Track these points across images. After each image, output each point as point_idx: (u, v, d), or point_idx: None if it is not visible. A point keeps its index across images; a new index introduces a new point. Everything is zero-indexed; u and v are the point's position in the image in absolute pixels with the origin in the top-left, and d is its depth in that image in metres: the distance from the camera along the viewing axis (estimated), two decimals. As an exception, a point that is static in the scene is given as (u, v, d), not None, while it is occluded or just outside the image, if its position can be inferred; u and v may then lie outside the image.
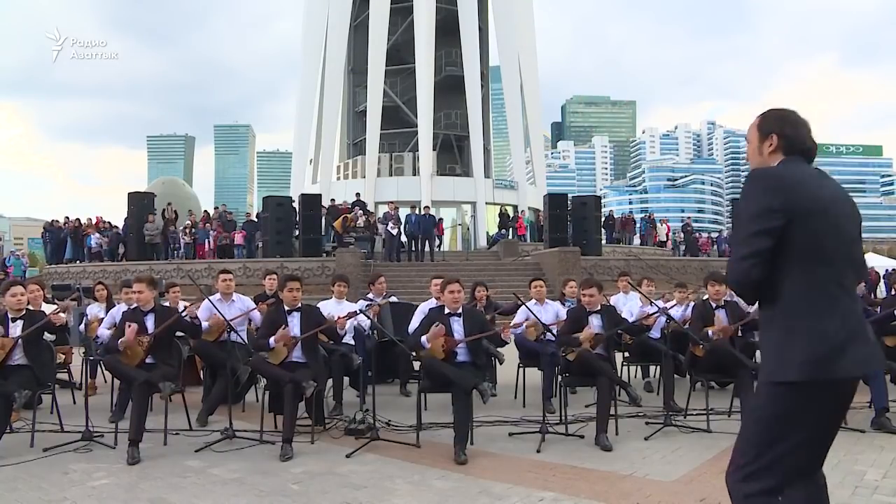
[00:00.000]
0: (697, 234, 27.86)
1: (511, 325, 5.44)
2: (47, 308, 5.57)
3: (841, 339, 1.93)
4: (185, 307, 5.32)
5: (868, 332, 2.00)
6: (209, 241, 20.37)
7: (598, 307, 5.39)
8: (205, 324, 5.77)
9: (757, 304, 2.14)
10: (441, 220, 22.12)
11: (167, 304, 6.03)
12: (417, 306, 6.45)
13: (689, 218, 32.52)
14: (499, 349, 6.33)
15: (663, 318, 6.15)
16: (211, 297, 5.76)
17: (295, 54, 61.72)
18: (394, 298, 6.95)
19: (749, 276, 1.99)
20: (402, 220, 19.95)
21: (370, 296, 7.05)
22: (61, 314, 5.09)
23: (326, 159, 31.62)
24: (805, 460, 2.00)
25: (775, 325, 2.02)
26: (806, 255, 1.97)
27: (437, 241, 20.47)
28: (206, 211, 25.67)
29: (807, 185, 2.02)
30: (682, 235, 25.99)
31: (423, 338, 4.76)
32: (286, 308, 5.08)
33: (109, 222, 22.10)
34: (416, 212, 20.02)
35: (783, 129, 2.12)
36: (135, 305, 5.28)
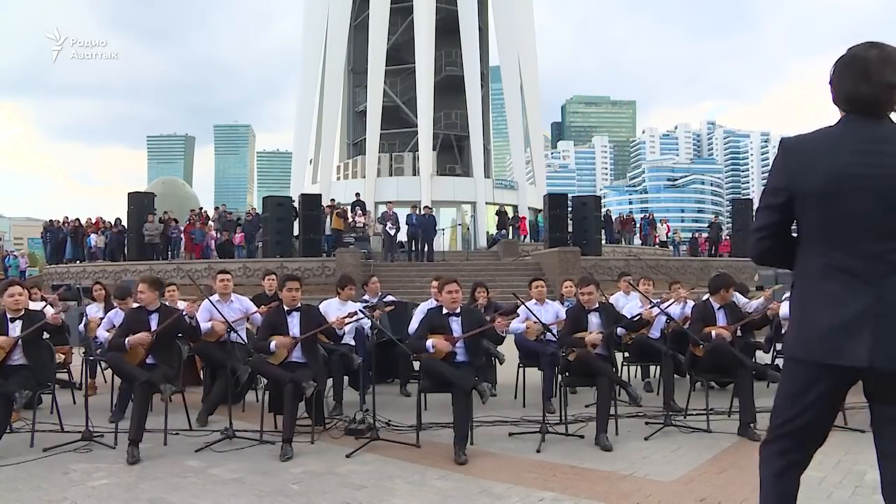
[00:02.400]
0: (697, 234, 27.88)
1: (504, 319, 5.39)
2: (39, 307, 5.57)
3: (834, 327, 1.86)
4: (186, 306, 5.33)
5: (872, 325, 1.82)
6: (207, 241, 20.38)
7: (597, 305, 5.40)
8: (206, 325, 5.78)
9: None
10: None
11: (166, 303, 6.03)
12: (417, 305, 6.45)
13: (715, 217, 32.48)
14: (498, 349, 6.34)
15: (663, 318, 6.14)
16: (210, 298, 5.76)
17: (295, 54, 61.75)
18: (390, 297, 6.95)
19: (758, 247, 2.05)
20: (402, 221, 19.96)
21: (366, 297, 7.04)
22: (59, 316, 5.09)
23: (326, 159, 31.64)
24: (792, 445, 2.04)
25: (790, 301, 2.07)
26: (811, 236, 1.94)
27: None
28: (205, 211, 25.67)
29: (823, 160, 1.88)
30: (681, 235, 25.97)
31: (429, 343, 4.75)
32: (286, 308, 5.08)
33: (111, 222, 22.09)
34: (417, 212, 20.03)
35: (833, 78, 1.95)
36: (137, 305, 5.28)
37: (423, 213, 19.75)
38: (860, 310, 1.83)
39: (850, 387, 1.97)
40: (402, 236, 20.52)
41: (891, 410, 1.93)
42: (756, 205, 2.15)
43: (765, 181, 2.17)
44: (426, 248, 19.54)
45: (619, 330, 5.50)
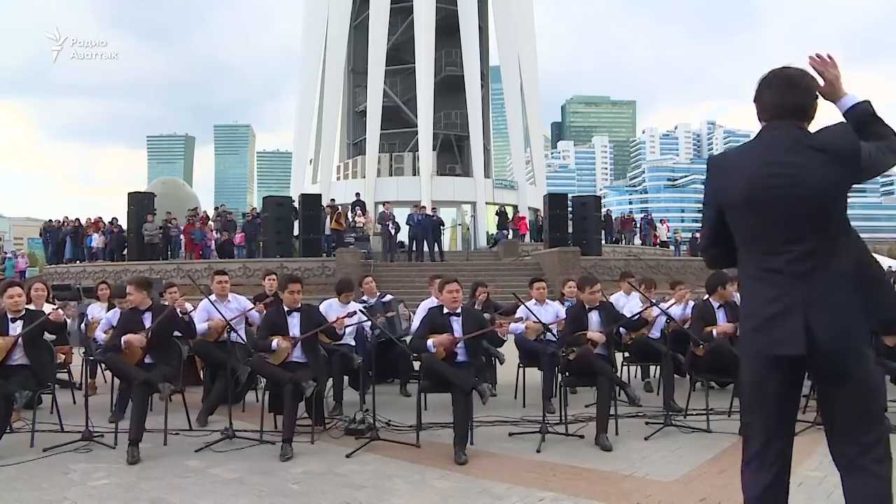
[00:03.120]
0: (697, 235, 27.86)
1: (505, 322, 5.39)
2: (48, 307, 5.57)
3: (770, 321, 2.02)
4: (175, 302, 5.32)
5: (803, 315, 1.97)
6: (206, 241, 20.39)
7: (597, 303, 5.40)
8: (204, 325, 5.78)
9: None
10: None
11: (166, 303, 6.03)
12: (401, 302, 6.45)
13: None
14: (499, 349, 6.34)
15: (663, 318, 6.14)
16: (209, 298, 5.76)
17: (295, 54, 61.76)
18: (389, 297, 6.95)
19: (707, 254, 2.34)
20: (402, 221, 19.99)
21: (364, 298, 7.04)
22: (59, 312, 5.09)
23: (326, 159, 31.63)
24: (764, 441, 2.10)
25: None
26: (742, 241, 2.14)
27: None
28: (205, 211, 25.68)
29: (738, 172, 2.11)
30: (682, 235, 26.00)
31: (430, 342, 4.75)
32: (286, 308, 5.08)
33: (109, 222, 22.10)
34: (419, 211, 20.07)
35: (755, 95, 2.18)
36: (132, 306, 5.28)
37: (428, 214, 19.76)
38: (790, 303, 2.01)
39: (801, 379, 2.12)
40: (403, 236, 20.54)
41: (834, 390, 2.05)
42: None
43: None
44: (435, 249, 19.58)
45: (620, 329, 5.50)
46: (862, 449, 1.99)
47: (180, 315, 5.20)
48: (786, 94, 2.09)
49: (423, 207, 20.24)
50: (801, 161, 2.01)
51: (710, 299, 5.74)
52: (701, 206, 2.44)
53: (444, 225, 21.34)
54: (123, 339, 4.85)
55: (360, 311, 5.61)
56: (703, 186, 2.34)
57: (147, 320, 5.03)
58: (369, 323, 6.02)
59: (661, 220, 29.06)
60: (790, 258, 2.01)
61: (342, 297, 6.41)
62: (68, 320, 5.95)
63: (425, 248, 19.53)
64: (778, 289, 2.02)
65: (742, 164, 2.11)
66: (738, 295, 2.35)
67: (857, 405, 2.01)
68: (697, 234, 27.93)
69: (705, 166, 2.30)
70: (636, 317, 5.68)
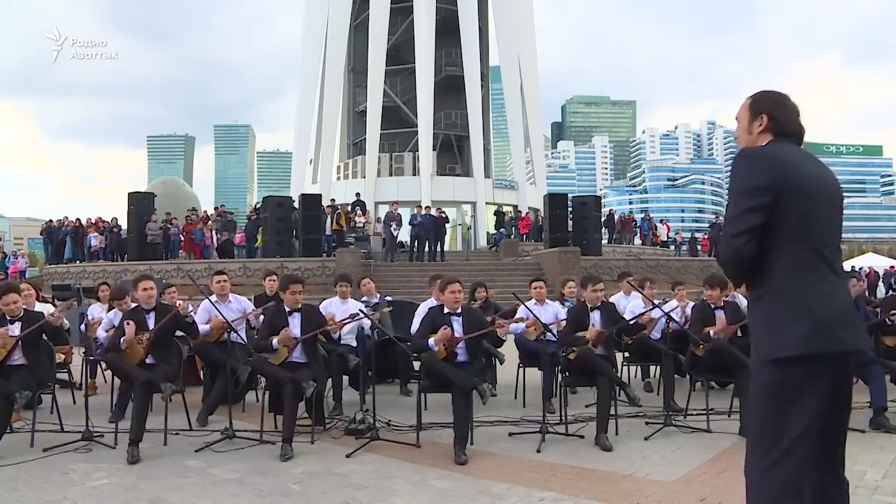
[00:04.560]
0: (695, 235, 27.89)
1: (505, 322, 5.40)
2: (45, 308, 5.56)
3: (828, 315, 1.96)
4: (180, 304, 5.32)
5: (855, 313, 2.06)
6: (205, 241, 20.39)
7: (599, 303, 5.40)
8: (205, 326, 5.78)
9: (744, 286, 2.17)
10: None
11: (166, 303, 6.03)
12: (418, 305, 6.46)
13: (716, 217, 32.33)
14: (499, 349, 6.34)
15: (663, 318, 6.14)
16: (210, 298, 5.76)
17: (295, 54, 61.75)
18: (388, 298, 6.96)
19: (742, 252, 2.03)
20: (404, 221, 20.02)
21: (364, 298, 7.05)
22: (59, 315, 5.09)
23: (326, 159, 31.65)
24: (817, 448, 1.95)
25: (766, 302, 2.06)
26: (793, 233, 2.02)
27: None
28: (205, 211, 25.68)
29: (793, 164, 2.07)
30: (682, 235, 25.99)
31: (431, 340, 4.75)
32: (287, 309, 5.08)
33: (109, 222, 22.10)
34: (421, 211, 20.08)
35: (773, 110, 2.16)
36: (135, 305, 5.28)
37: (434, 213, 19.81)
38: (848, 300, 2.05)
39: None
40: (403, 235, 20.57)
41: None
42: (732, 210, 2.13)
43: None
44: (438, 248, 19.62)
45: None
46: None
47: (184, 316, 5.20)
48: (801, 123, 2.20)
49: (428, 208, 20.32)
50: (832, 176, 2.16)
51: (710, 300, 5.74)
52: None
53: (448, 222, 21.40)
54: (122, 339, 4.85)
55: (360, 311, 5.61)
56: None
57: (150, 320, 5.03)
58: (369, 323, 6.03)
59: (661, 221, 29.05)
60: (837, 257, 2.09)
61: (337, 290, 6.46)
62: (66, 323, 5.96)
63: (437, 248, 19.57)
64: (832, 284, 2.02)
65: (794, 160, 2.08)
66: (762, 294, 2.10)
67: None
68: (697, 234, 28.07)
69: (749, 159, 2.10)
70: (633, 321, 5.69)
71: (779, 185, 2.00)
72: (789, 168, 2.04)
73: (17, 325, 4.84)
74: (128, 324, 4.88)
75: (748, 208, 2.01)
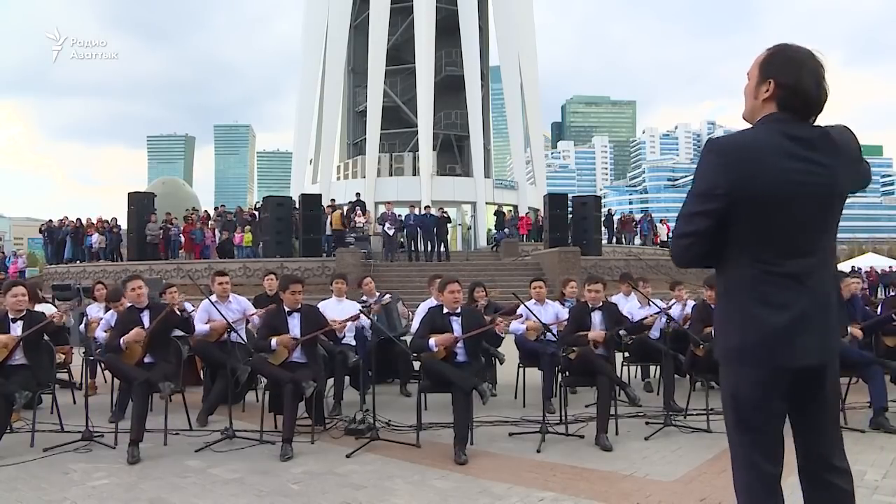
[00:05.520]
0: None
1: (503, 321, 5.39)
2: (45, 309, 5.57)
3: (776, 328, 1.85)
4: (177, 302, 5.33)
5: (812, 326, 1.87)
6: (207, 240, 20.39)
7: (601, 304, 5.40)
8: (205, 327, 5.77)
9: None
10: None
11: (162, 301, 6.03)
12: (417, 305, 6.46)
13: None
14: (498, 349, 6.34)
15: (663, 318, 6.14)
16: (210, 298, 5.76)
17: (295, 54, 61.78)
18: (388, 297, 6.96)
19: (684, 255, 1.94)
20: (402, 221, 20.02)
21: (364, 298, 7.06)
22: (62, 315, 5.10)
23: (326, 159, 31.66)
24: (759, 457, 1.91)
25: (721, 303, 2.00)
26: (750, 239, 1.88)
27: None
28: (205, 210, 25.68)
29: (769, 162, 1.84)
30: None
31: (431, 341, 4.75)
32: (287, 309, 5.08)
33: (109, 222, 22.09)
34: (416, 211, 20.07)
35: (782, 76, 1.89)
36: (129, 304, 5.28)
37: (434, 212, 19.81)
38: (807, 311, 1.86)
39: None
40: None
41: (815, 403, 1.96)
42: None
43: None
44: (441, 248, 19.59)
45: (621, 331, 5.50)
46: (828, 462, 1.94)
47: (178, 312, 5.19)
48: (821, 90, 1.89)
49: (428, 207, 20.34)
50: (832, 162, 1.86)
51: (710, 300, 5.74)
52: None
53: (451, 222, 21.40)
54: (123, 339, 4.85)
55: (361, 311, 5.61)
56: None
57: (145, 318, 5.03)
58: (369, 323, 6.04)
59: (660, 221, 29.02)
60: (805, 263, 1.87)
61: (335, 286, 6.52)
62: (71, 320, 5.96)
63: (422, 248, 19.57)
64: (792, 295, 1.85)
65: (768, 155, 1.85)
66: (716, 299, 2.05)
67: (833, 418, 1.98)
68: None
69: (713, 155, 1.91)
70: (639, 322, 5.70)
71: (737, 193, 1.84)
72: (759, 169, 1.83)
73: (19, 324, 4.84)
74: (134, 329, 4.87)
75: (697, 211, 1.89)
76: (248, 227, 20.19)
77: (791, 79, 1.87)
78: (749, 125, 1.98)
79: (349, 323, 5.40)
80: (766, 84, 1.90)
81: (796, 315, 1.85)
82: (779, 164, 1.84)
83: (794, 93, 1.87)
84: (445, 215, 20.37)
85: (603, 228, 23.08)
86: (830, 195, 1.88)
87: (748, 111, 1.99)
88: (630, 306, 6.73)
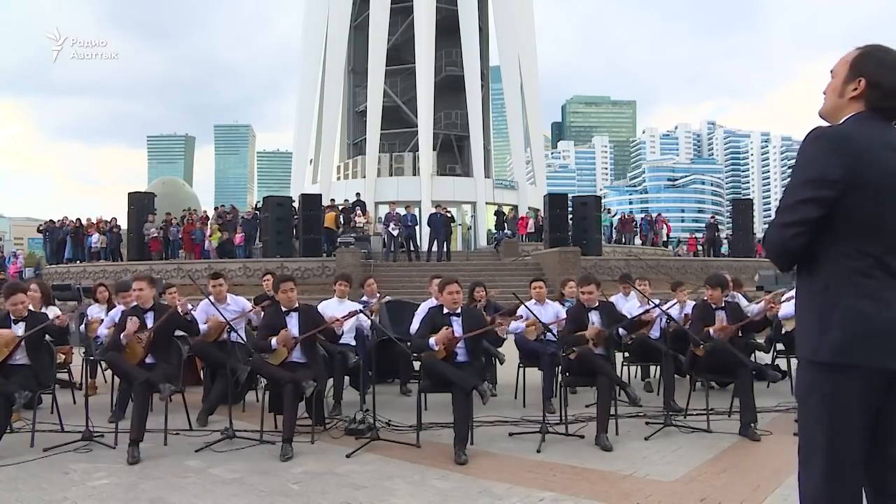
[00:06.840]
0: (692, 235, 27.92)
1: (503, 320, 5.39)
2: (50, 311, 5.57)
3: (878, 326, 1.76)
4: (180, 302, 5.33)
5: None
6: (206, 241, 20.40)
7: (597, 304, 5.40)
8: (204, 326, 5.78)
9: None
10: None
11: (165, 303, 6.02)
12: (418, 305, 6.46)
13: (713, 217, 32.15)
14: (499, 349, 6.34)
15: (663, 318, 6.14)
16: (209, 298, 5.76)
17: (295, 54, 61.76)
18: (388, 298, 6.96)
19: (788, 245, 1.84)
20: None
21: (364, 298, 7.06)
22: (65, 317, 5.10)
23: (326, 159, 31.66)
24: (850, 464, 1.81)
25: (814, 300, 1.87)
26: (859, 231, 1.80)
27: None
28: (205, 211, 25.69)
29: (878, 153, 1.79)
30: (682, 236, 26.00)
31: (431, 340, 4.75)
32: (284, 309, 5.09)
33: (109, 222, 22.09)
34: (412, 211, 20.08)
35: (878, 76, 1.84)
36: (134, 304, 5.28)
37: (436, 212, 19.83)
38: None
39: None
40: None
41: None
42: (780, 199, 1.91)
43: (766, 181, 2.05)
44: (444, 248, 19.62)
45: (621, 331, 5.50)
46: None
47: (183, 315, 5.19)
48: None
49: (439, 206, 20.37)
50: None
51: (711, 300, 5.73)
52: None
53: (454, 221, 21.42)
54: (123, 334, 4.85)
55: (361, 311, 5.61)
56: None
57: (149, 319, 5.03)
58: (368, 322, 6.04)
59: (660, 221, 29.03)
60: None
61: (338, 287, 6.48)
62: (72, 325, 5.96)
63: (424, 247, 19.57)
64: (890, 291, 1.77)
65: (877, 146, 1.80)
66: (803, 293, 1.93)
67: None
68: (696, 235, 28.03)
69: (824, 142, 1.81)
70: (636, 318, 5.68)
71: (850, 179, 1.76)
72: (871, 157, 1.77)
73: (21, 324, 4.84)
74: (131, 319, 4.87)
75: (807, 198, 1.79)
76: (215, 227, 20.42)
77: (885, 79, 1.84)
78: (826, 123, 1.92)
79: (349, 320, 5.40)
80: (856, 83, 1.86)
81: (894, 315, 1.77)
82: (888, 157, 1.80)
83: (886, 94, 1.84)
84: (449, 215, 20.41)
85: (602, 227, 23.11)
86: None
87: (830, 108, 1.94)
88: (629, 306, 6.73)
